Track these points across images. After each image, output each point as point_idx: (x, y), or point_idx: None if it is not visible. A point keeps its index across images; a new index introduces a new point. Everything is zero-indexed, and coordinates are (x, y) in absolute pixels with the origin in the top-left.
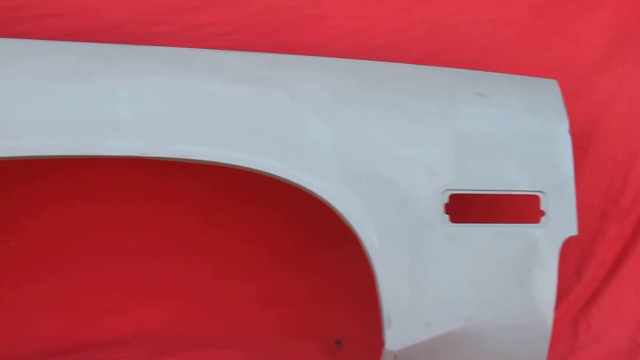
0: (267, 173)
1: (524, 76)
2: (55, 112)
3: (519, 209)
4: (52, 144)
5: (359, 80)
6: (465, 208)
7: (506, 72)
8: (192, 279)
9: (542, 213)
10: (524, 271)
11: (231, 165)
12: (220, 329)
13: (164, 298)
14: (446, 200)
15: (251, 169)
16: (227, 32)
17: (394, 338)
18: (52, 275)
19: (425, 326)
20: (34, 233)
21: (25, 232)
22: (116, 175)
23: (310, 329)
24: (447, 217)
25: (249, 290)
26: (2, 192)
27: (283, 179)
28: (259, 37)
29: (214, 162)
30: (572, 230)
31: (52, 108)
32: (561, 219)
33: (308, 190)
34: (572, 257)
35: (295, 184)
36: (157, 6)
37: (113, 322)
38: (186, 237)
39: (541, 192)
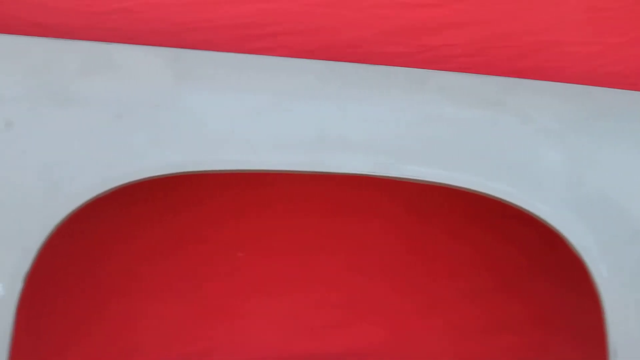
0: (495, 197)
1: None
2: (291, 128)
3: None
4: (286, 160)
5: (593, 108)
6: None
7: None
8: (413, 299)
9: None
10: None
11: (460, 187)
12: (440, 352)
13: (383, 316)
14: None
15: (480, 192)
16: (462, 55)
17: None
18: (277, 290)
19: None
20: (264, 248)
21: (257, 247)
22: (329, 193)
23: (531, 356)
24: None
25: (469, 315)
26: (243, 206)
27: (511, 203)
28: (493, 61)
29: (443, 184)
30: None
31: (288, 124)
32: None
33: (536, 216)
34: None
35: (524, 209)
36: (394, 27)
37: (332, 336)
38: (409, 255)
39: None
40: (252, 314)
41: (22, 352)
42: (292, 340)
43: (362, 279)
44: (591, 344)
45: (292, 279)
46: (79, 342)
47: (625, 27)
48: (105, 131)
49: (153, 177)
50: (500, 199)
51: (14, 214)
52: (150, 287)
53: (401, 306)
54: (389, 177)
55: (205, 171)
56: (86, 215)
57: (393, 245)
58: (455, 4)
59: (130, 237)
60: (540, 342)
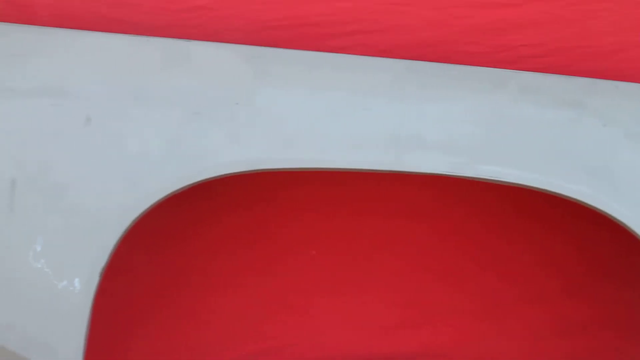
0: (573, 198)
1: None
2: (368, 127)
3: None
4: (363, 159)
5: None
6: None
7: None
8: (483, 301)
9: None
10: None
11: (537, 188)
12: (510, 354)
13: (453, 317)
14: None
15: (557, 193)
16: (541, 55)
17: None
18: (346, 288)
19: None
20: (334, 246)
21: (327, 245)
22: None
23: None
24: None
25: (539, 317)
26: (313, 204)
27: (589, 205)
28: (572, 61)
29: (520, 185)
30: None
31: (365, 123)
32: None
33: (614, 218)
34: None
35: (602, 210)
36: (472, 26)
37: (401, 337)
38: (479, 257)
39: None
40: (321, 312)
41: (94, 345)
42: (361, 340)
43: (432, 280)
44: None
45: (361, 278)
46: (147, 336)
47: None
48: (183, 128)
49: (228, 174)
50: (578, 200)
51: (92, 210)
52: (220, 283)
53: (471, 308)
54: (465, 177)
55: (281, 169)
56: (158, 210)
57: (463, 248)
58: (533, 4)
59: (202, 232)
60: (611, 345)
